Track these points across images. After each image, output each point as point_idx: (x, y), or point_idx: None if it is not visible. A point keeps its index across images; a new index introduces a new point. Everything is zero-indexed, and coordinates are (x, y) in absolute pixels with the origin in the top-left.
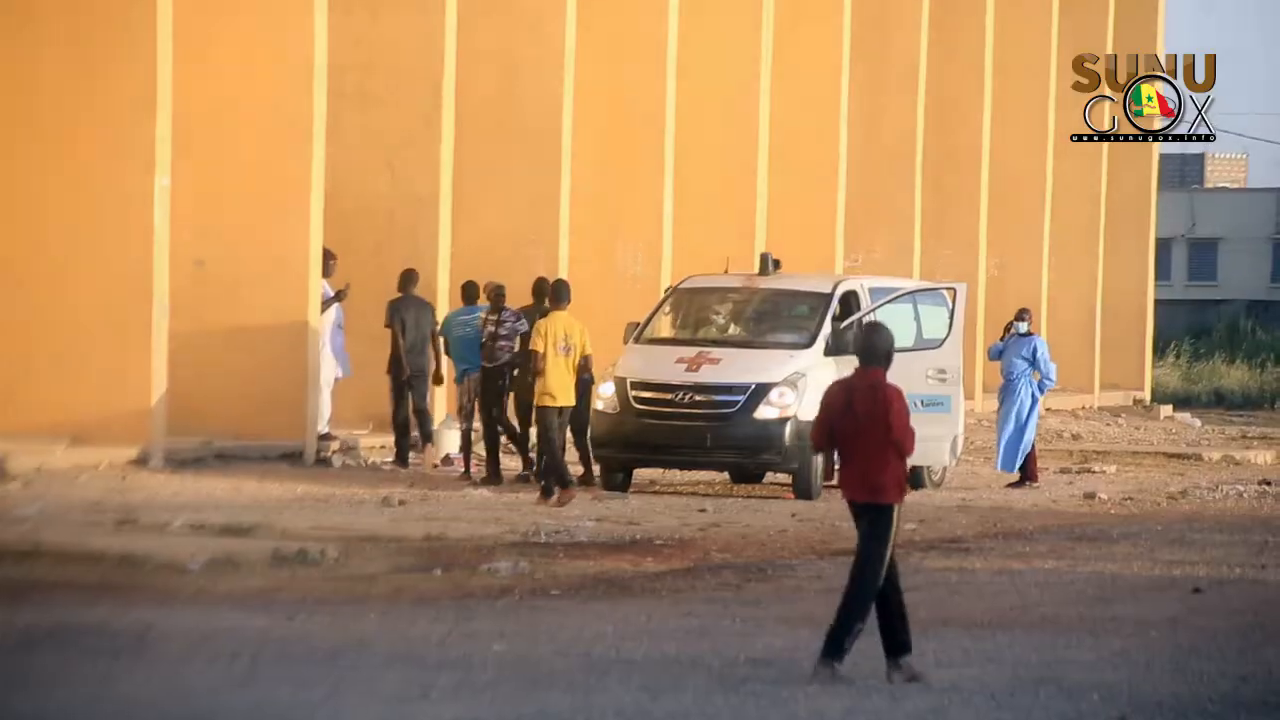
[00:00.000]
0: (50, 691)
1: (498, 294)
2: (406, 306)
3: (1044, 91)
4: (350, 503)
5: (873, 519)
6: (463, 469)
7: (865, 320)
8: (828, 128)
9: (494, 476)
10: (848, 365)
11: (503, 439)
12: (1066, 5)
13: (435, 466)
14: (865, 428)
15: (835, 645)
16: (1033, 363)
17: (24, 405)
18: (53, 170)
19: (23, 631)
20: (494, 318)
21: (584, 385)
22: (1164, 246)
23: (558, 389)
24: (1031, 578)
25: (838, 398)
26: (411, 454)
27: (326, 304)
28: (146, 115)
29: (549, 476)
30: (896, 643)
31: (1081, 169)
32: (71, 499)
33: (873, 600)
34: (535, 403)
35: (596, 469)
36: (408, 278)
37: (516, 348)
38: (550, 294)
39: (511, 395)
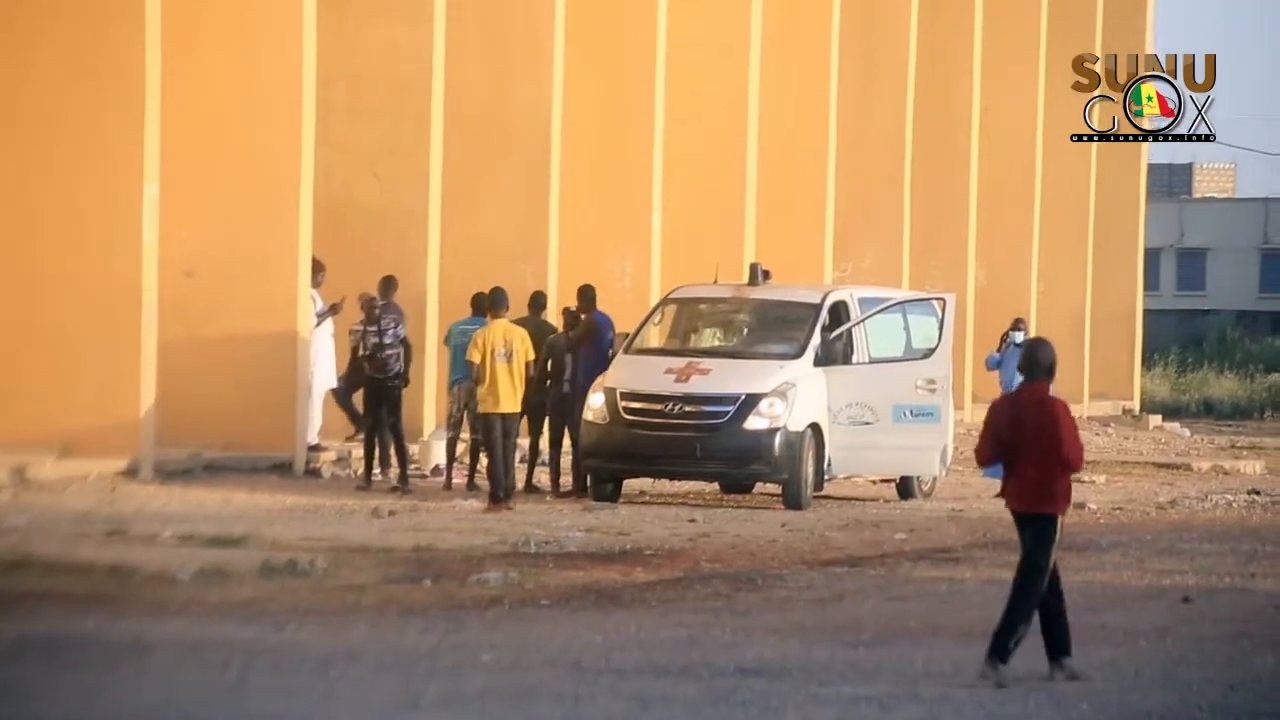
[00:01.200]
0: (40, 702)
1: (370, 304)
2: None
3: (1033, 102)
4: (340, 514)
5: (1038, 529)
6: (445, 479)
7: (1028, 336)
8: (816, 138)
9: (470, 485)
10: (836, 376)
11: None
12: (1055, 12)
13: (425, 477)
14: (1033, 441)
15: (1000, 647)
16: None
17: (13, 416)
18: (41, 178)
19: (12, 642)
20: (373, 329)
21: (567, 402)
22: (1153, 256)
23: (500, 396)
24: None
25: (1004, 412)
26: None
27: (321, 318)
28: (135, 124)
29: (493, 482)
30: (1058, 645)
31: (1070, 179)
32: (61, 510)
33: (1036, 605)
34: (478, 409)
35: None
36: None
37: (402, 354)
38: (488, 302)
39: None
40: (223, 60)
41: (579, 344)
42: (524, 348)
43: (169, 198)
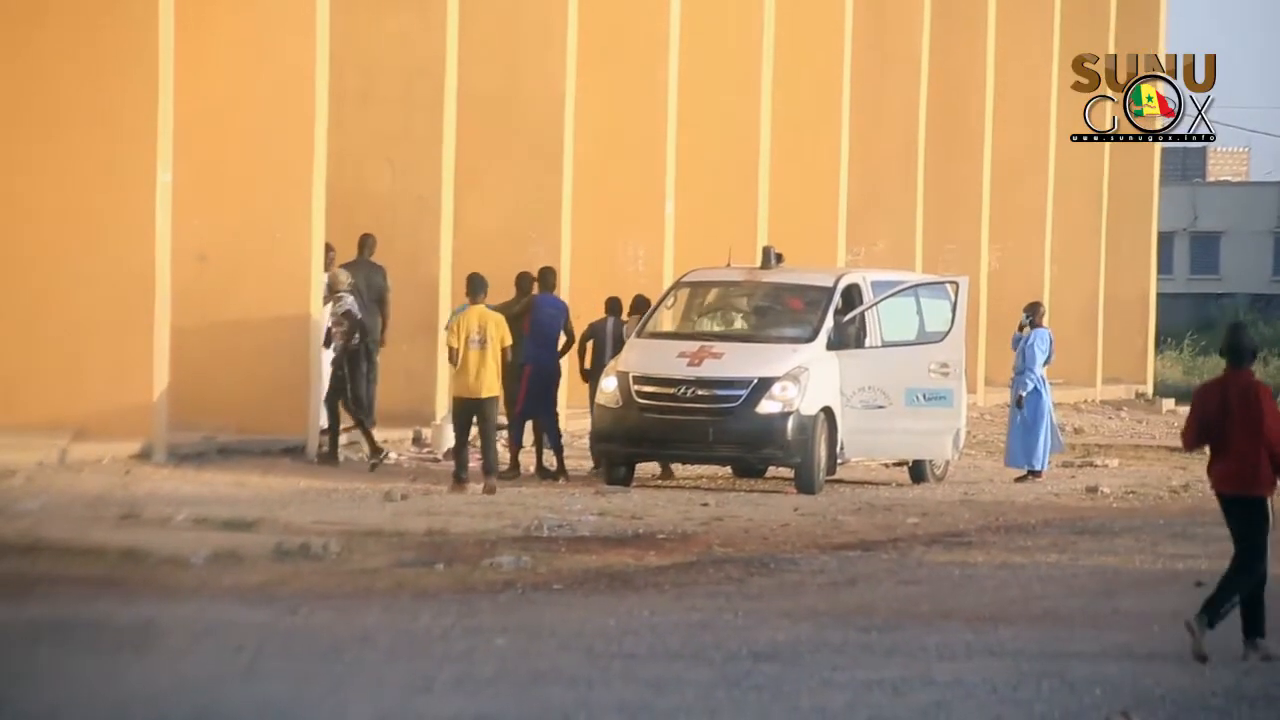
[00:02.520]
0: (53, 686)
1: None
2: (357, 270)
3: (1046, 85)
4: (352, 497)
5: (1247, 511)
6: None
7: (1229, 322)
8: (829, 121)
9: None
10: (849, 359)
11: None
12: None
13: (438, 460)
14: (1240, 426)
15: (1212, 612)
16: (1048, 357)
17: (27, 400)
18: (55, 166)
19: (26, 626)
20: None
21: (547, 382)
22: (1166, 240)
23: (473, 380)
24: (1034, 571)
25: (1212, 397)
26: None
27: (329, 299)
28: (148, 111)
29: (456, 463)
30: (1255, 625)
31: (1083, 163)
32: (74, 494)
33: (1251, 583)
34: (452, 394)
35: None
36: (363, 242)
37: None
38: (467, 288)
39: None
40: (236, 47)
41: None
42: (499, 333)
43: (182, 185)
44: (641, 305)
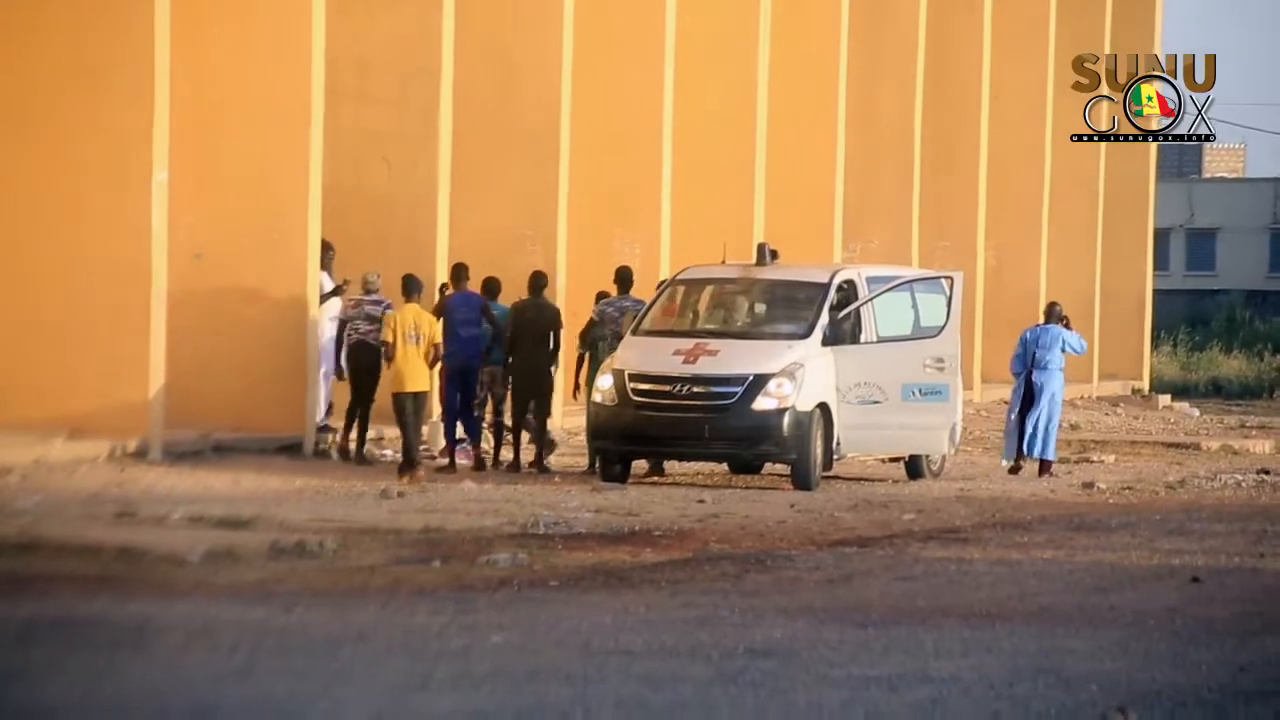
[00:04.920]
0: (49, 683)
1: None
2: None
3: (1042, 82)
4: (349, 495)
5: None
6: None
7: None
8: (825, 118)
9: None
10: (845, 355)
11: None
12: None
13: (434, 458)
14: None
15: None
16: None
17: (22, 398)
18: (50, 163)
19: (22, 624)
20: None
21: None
22: (1162, 236)
23: (409, 375)
24: (1030, 568)
25: None
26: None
27: (326, 297)
28: (144, 110)
29: (405, 454)
30: None
31: (1080, 159)
32: (70, 492)
33: None
34: (392, 389)
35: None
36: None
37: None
38: (402, 287)
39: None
40: (232, 46)
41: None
42: (431, 331)
43: (178, 184)
44: (624, 277)
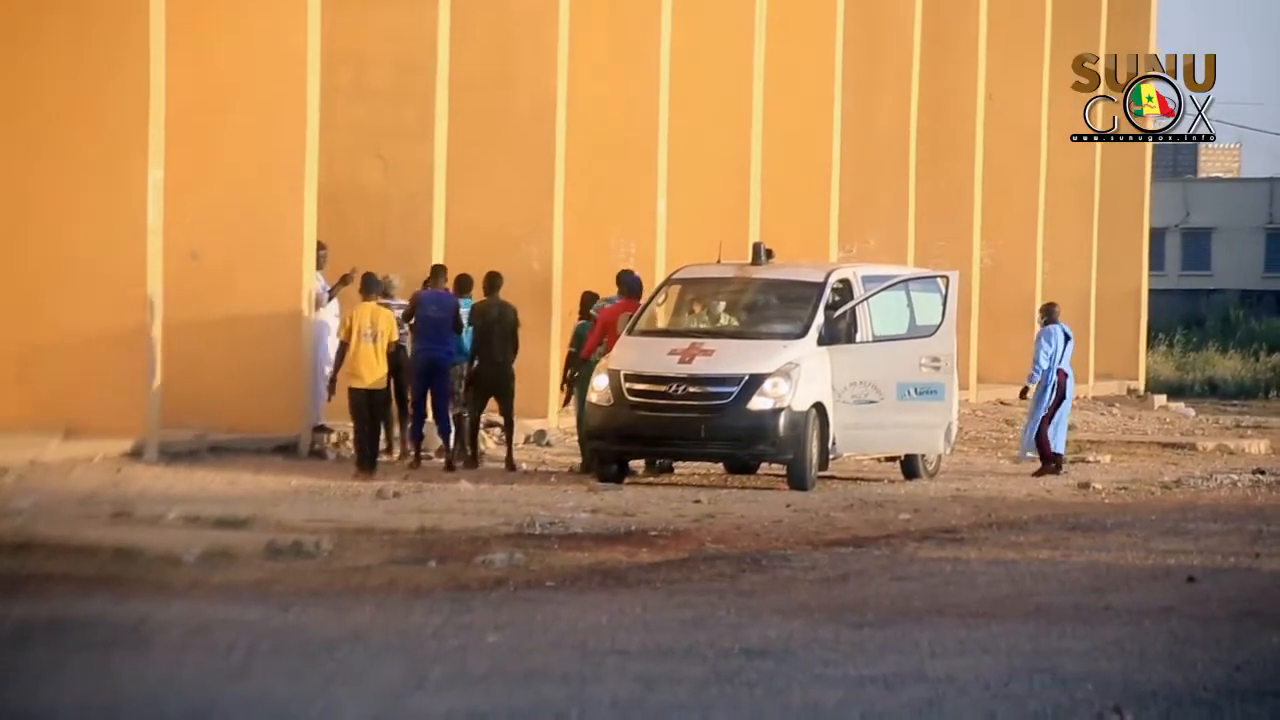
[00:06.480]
0: (45, 684)
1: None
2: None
3: (1038, 82)
4: (345, 495)
5: None
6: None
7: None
8: (821, 117)
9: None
10: (840, 354)
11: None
12: None
13: (430, 457)
14: None
15: None
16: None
17: (19, 398)
18: (46, 163)
19: (18, 624)
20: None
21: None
22: (1158, 236)
23: (365, 372)
24: (1026, 568)
25: None
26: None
27: (331, 295)
28: (139, 108)
29: (359, 452)
30: None
31: (1075, 159)
32: (66, 492)
33: None
34: (348, 385)
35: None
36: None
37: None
38: (360, 286)
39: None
40: (227, 43)
41: (408, 315)
42: (388, 329)
43: (173, 182)
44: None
